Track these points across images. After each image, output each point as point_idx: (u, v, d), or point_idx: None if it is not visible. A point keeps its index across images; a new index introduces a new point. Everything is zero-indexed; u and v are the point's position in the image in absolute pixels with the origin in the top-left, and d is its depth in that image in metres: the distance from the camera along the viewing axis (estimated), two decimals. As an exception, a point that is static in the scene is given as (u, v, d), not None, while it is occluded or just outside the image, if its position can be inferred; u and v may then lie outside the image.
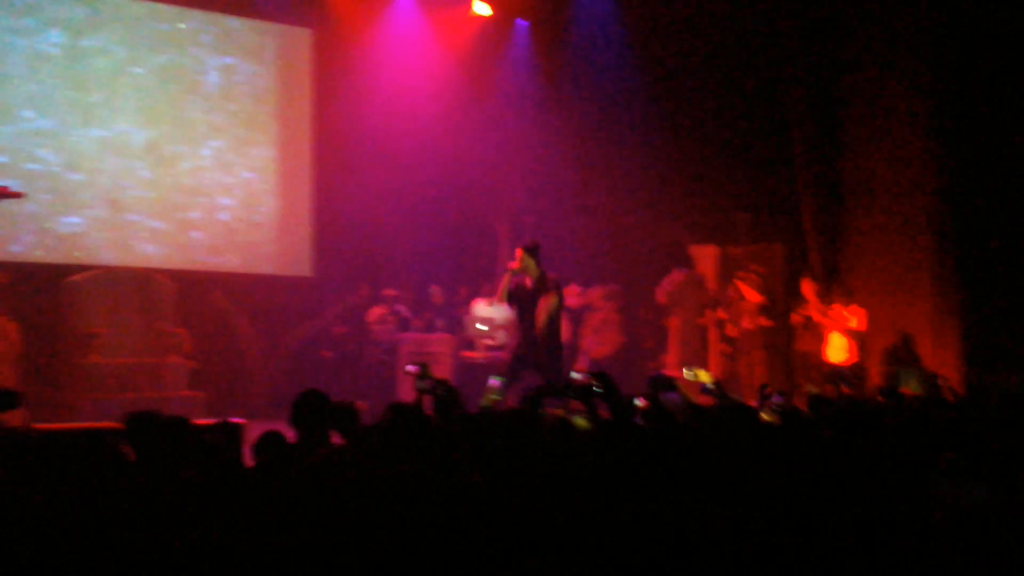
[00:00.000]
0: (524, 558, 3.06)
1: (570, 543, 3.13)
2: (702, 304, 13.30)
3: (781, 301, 12.90)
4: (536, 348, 9.26)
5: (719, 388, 7.01)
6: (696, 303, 13.34)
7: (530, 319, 9.32)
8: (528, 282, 9.34)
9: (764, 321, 12.70)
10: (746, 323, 12.75)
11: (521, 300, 9.38)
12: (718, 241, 13.61)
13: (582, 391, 5.45)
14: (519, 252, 9.41)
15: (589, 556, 3.08)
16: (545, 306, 9.29)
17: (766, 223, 13.63)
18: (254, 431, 6.59)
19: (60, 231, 12.45)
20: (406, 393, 10.17)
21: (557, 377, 8.84)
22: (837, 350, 12.02)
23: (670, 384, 6.32)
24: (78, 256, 12.47)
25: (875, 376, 11.89)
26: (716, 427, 5.05)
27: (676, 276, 13.21)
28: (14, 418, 5.59)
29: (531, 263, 9.39)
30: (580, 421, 5.20)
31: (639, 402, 5.65)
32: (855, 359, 11.94)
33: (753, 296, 12.68)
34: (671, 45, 13.96)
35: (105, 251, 12.69)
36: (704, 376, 7.37)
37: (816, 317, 12.19)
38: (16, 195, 10.79)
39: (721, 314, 13.01)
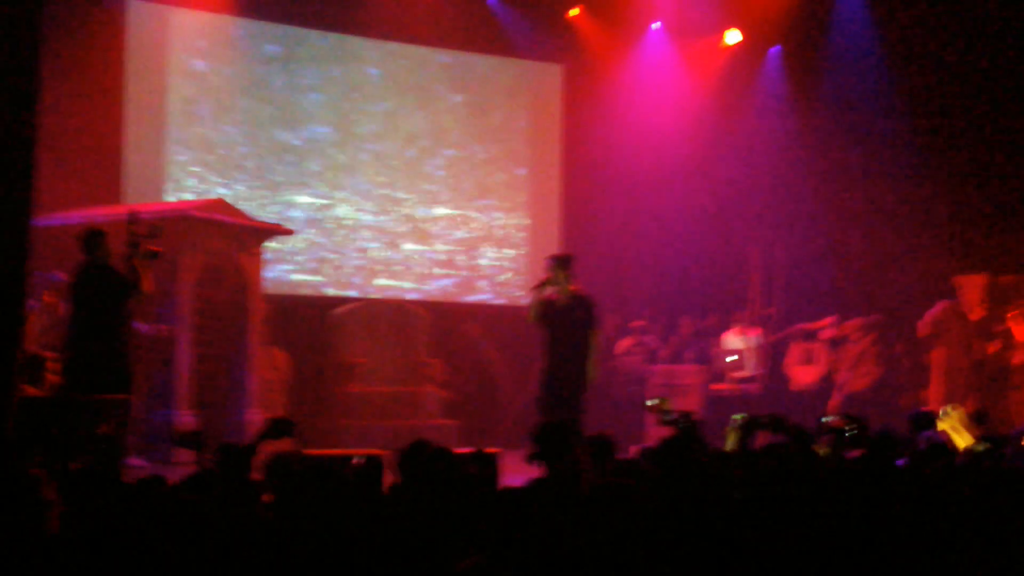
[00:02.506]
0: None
1: None
2: (968, 337, 12.57)
3: (1058, 333, 12.04)
4: (564, 379, 8.14)
5: (984, 422, 6.57)
6: (961, 336, 12.61)
7: (562, 343, 8.20)
8: (557, 299, 8.25)
9: (1038, 355, 11.89)
10: (1018, 358, 11.97)
11: (552, 321, 8.24)
12: (987, 269, 12.86)
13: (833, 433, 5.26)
14: (547, 263, 8.42)
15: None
16: (590, 341, 8.14)
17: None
18: (507, 460, 6.71)
19: (324, 264, 13.12)
20: (653, 426, 10.10)
21: (575, 417, 7.71)
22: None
23: (931, 422, 5.99)
24: (341, 288, 13.10)
25: None
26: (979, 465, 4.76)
27: (940, 307, 12.55)
28: (285, 444, 5.91)
29: (561, 276, 8.27)
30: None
31: None
32: None
33: (1022, 333, 11.90)
34: (935, 63, 13.37)
35: (365, 284, 13.28)
36: (957, 415, 6.95)
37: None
38: (286, 232, 11.47)
39: (991, 348, 12.26)
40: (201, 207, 10.32)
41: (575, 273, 8.46)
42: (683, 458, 4.28)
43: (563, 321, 8.23)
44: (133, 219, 7.35)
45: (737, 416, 5.96)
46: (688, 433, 5.72)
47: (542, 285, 8.28)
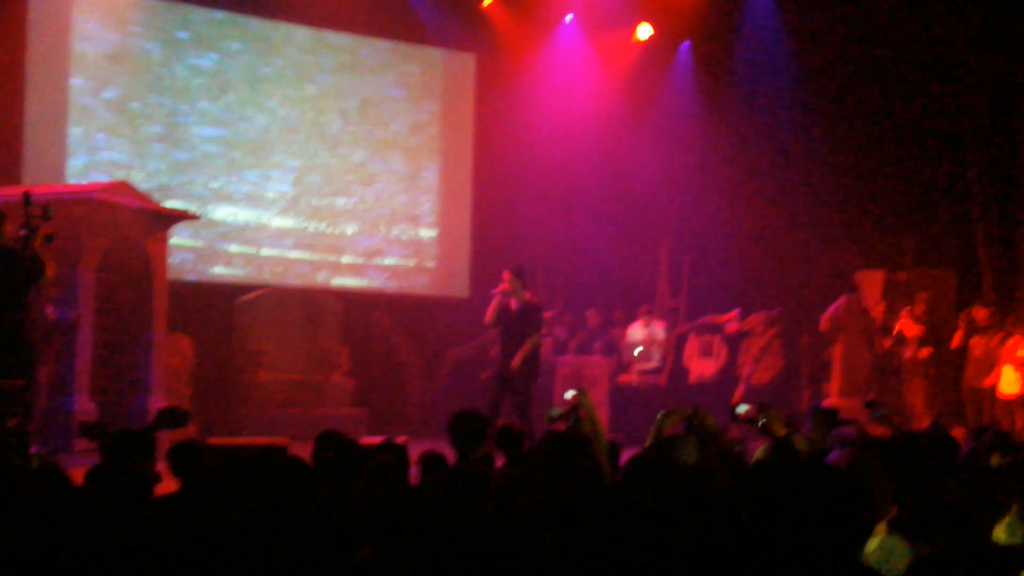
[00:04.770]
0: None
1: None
2: (869, 332, 12.91)
3: (949, 329, 12.40)
4: (513, 374, 9.32)
5: (889, 418, 6.71)
6: (861, 330, 12.94)
7: (514, 341, 9.40)
8: (513, 304, 9.43)
9: (925, 351, 12.23)
10: (908, 352, 12.32)
11: (507, 322, 9.44)
12: (885, 266, 13.21)
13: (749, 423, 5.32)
14: (507, 275, 9.51)
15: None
16: (528, 337, 9.36)
17: (936, 247, 13.16)
18: (414, 449, 6.70)
19: (230, 252, 12.94)
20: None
21: (523, 407, 9.01)
22: (1010, 382, 11.47)
23: (838, 418, 6.07)
24: (248, 276, 12.93)
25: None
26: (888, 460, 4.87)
27: (841, 302, 12.86)
28: (186, 433, 5.82)
29: (518, 284, 9.48)
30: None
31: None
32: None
33: (911, 329, 12.24)
34: (839, 64, 13.66)
35: (273, 271, 13.13)
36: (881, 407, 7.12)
37: (988, 347, 11.66)
38: (192, 217, 11.28)
39: (886, 342, 12.59)
40: (104, 189, 10.08)
41: (526, 279, 9.66)
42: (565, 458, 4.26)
43: (516, 322, 9.40)
44: (27, 201, 7.11)
45: (662, 414, 5.98)
46: (575, 429, 5.71)
47: (505, 294, 9.42)
